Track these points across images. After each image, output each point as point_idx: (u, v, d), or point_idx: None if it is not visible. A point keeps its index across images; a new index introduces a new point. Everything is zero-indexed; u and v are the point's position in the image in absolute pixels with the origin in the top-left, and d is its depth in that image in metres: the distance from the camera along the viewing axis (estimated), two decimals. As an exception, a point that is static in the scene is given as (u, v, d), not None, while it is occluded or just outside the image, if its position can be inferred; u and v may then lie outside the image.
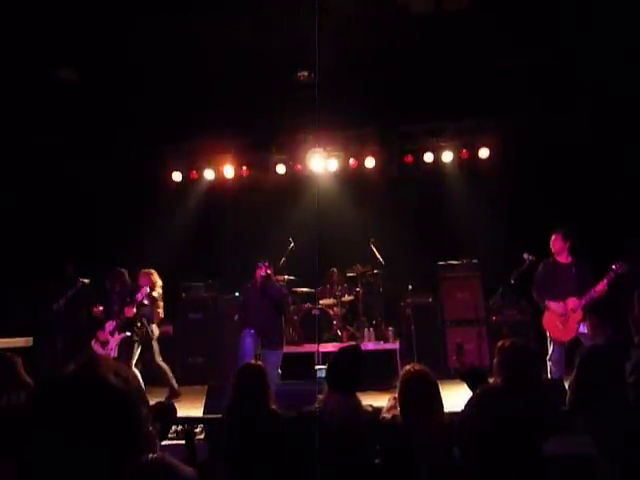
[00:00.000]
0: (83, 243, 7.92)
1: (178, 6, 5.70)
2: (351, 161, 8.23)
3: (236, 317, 6.59)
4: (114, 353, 5.79)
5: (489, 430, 2.60)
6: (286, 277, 7.50)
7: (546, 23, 6.09)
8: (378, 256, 7.49)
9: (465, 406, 2.82)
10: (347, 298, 7.71)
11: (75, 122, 7.29)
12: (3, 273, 7.45)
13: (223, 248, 8.57)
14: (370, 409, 2.93)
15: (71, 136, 7.53)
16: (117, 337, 5.94)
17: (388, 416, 2.80)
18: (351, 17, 5.89)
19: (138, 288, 5.97)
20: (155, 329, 6.15)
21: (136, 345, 5.92)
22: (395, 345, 7.02)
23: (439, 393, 2.75)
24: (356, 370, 2.95)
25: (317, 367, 5.59)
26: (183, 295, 7.86)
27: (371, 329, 7.31)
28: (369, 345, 7.01)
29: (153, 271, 6.29)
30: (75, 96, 6.81)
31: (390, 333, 7.20)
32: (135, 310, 5.91)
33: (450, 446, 2.62)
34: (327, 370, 3.06)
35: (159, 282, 6.26)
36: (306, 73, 7.10)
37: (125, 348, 5.86)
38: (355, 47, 6.38)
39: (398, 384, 2.77)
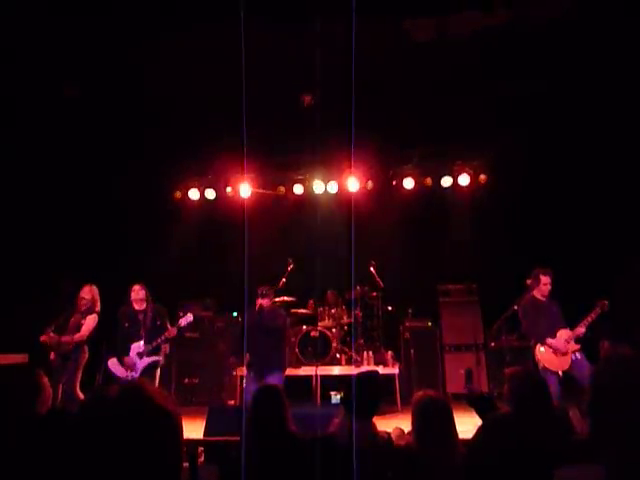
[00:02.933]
0: (80, 259, 7.90)
1: (181, 26, 5.85)
2: (351, 182, 8.36)
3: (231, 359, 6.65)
4: (137, 376, 5.66)
5: (500, 459, 2.64)
6: (285, 298, 7.53)
7: (543, 55, 6.34)
8: (377, 279, 7.57)
9: (475, 434, 2.86)
10: (346, 320, 7.77)
11: (79, 138, 7.39)
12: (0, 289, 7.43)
13: (221, 267, 8.57)
14: (386, 435, 2.96)
15: (74, 153, 7.61)
16: (146, 360, 5.80)
17: (402, 443, 2.84)
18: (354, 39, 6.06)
19: (156, 309, 5.94)
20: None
21: (159, 369, 5.85)
22: (394, 370, 7.03)
23: (454, 420, 2.80)
24: (374, 395, 2.97)
25: (331, 393, 5.61)
26: (180, 314, 7.75)
27: (370, 352, 7.34)
28: (368, 369, 7.04)
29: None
30: (80, 112, 6.93)
31: (389, 357, 7.24)
32: (175, 334, 5.87)
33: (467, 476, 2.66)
34: (344, 394, 3.08)
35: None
36: (309, 96, 7.26)
37: (147, 372, 5.73)
38: (358, 70, 6.56)
39: (413, 410, 2.81)
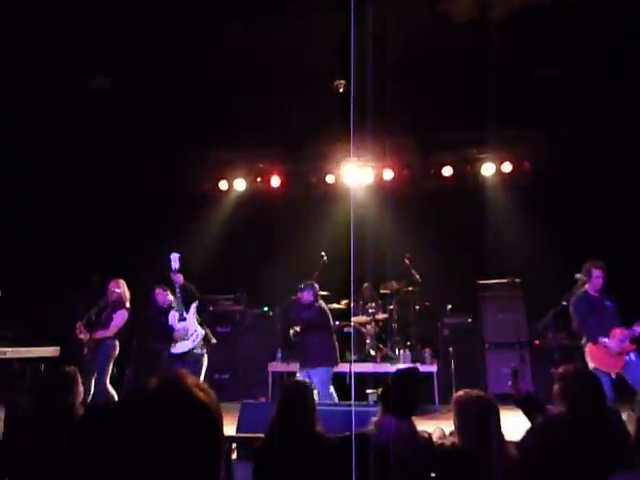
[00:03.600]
0: (109, 253, 8.07)
1: (211, 11, 5.82)
2: (387, 172, 8.24)
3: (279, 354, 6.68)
4: (199, 335, 5.72)
5: (553, 462, 2.55)
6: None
7: (595, 29, 6.08)
8: (414, 272, 7.46)
9: (526, 435, 2.77)
10: (381, 316, 7.69)
11: (103, 130, 7.48)
12: (31, 283, 7.68)
13: (252, 260, 8.62)
14: (426, 435, 2.92)
15: (98, 144, 7.72)
16: (189, 315, 5.85)
17: (446, 442, 2.77)
18: (389, 22, 5.94)
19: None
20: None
21: (205, 360, 5.83)
22: (432, 368, 6.91)
23: (500, 420, 2.72)
24: (413, 393, 2.95)
25: (368, 391, 5.55)
26: (210, 308, 7.86)
27: (406, 350, 7.21)
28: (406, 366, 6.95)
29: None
30: (105, 104, 6.99)
31: (427, 355, 7.13)
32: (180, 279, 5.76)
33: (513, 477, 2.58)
34: (382, 392, 3.08)
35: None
36: (343, 81, 7.17)
37: (192, 362, 5.73)
38: (393, 53, 6.44)
39: (457, 409, 2.73)
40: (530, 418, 3.17)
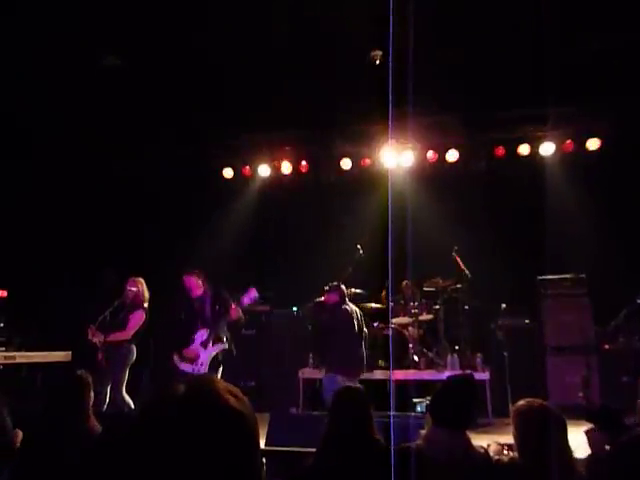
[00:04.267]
0: (123, 248, 8.22)
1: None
2: (430, 154, 8.18)
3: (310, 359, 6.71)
4: (205, 368, 5.79)
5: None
6: (353, 290, 7.50)
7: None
8: (463, 267, 7.41)
9: (608, 455, 2.69)
10: (425, 317, 7.70)
11: (121, 115, 7.58)
12: (39, 283, 7.82)
13: (279, 255, 8.68)
14: (482, 450, 2.93)
15: (117, 132, 7.84)
16: (211, 349, 5.85)
17: (504, 459, 2.75)
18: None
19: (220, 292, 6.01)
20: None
21: (222, 367, 5.94)
22: (484, 375, 6.88)
23: (567, 434, 2.70)
24: (468, 403, 2.94)
25: (415, 400, 5.66)
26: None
27: (454, 355, 7.22)
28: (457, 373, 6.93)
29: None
30: (121, 85, 7.14)
31: (478, 360, 7.10)
32: (240, 314, 5.86)
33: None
34: (432, 401, 3.07)
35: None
36: (380, 53, 7.13)
37: (212, 366, 5.83)
38: (437, 21, 6.37)
39: (517, 421, 2.72)
40: (609, 435, 3.11)
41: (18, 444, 3.44)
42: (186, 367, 5.85)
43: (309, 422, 4.64)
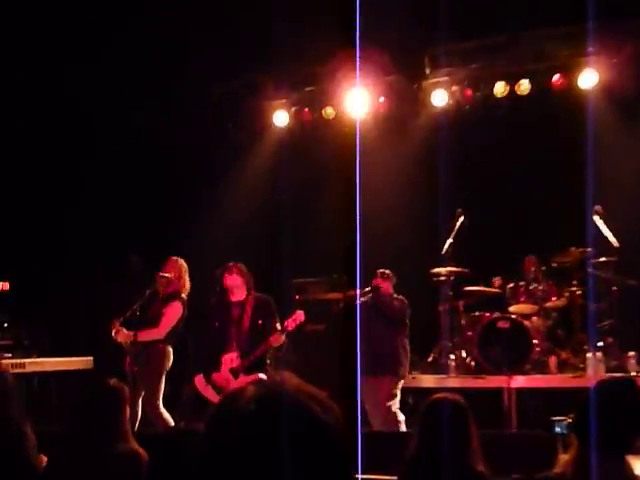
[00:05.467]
0: (146, 223, 8.36)
1: None
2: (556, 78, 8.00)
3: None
4: None
5: None
6: (452, 269, 7.48)
7: None
8: (608, 234, 7.15)
9: None
10: (555, 303, 7.55)
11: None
12: (47, 270, 7.94)
13: (351, 224, 8.42)
14: None
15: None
16: (243, 380, 5.70)
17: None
18: None
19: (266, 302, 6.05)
20: None
21: None
22: (644, 380, 6.55)
23: None
24: (630, 419, 2.83)
25: (554, 419, 5.58)
26: (297, 297, 7.91)
27: (598, 354, 6.93)
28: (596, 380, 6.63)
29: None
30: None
31: (632, 361, 6.93)
32: (282, 341, 5.96)
33: None
34: (578, 417, 2.98)
35: None
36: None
37: None
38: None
39: None
40: None
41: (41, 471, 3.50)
42: (211, 395, 5.86)
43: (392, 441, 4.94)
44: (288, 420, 1.05)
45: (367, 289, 6.48)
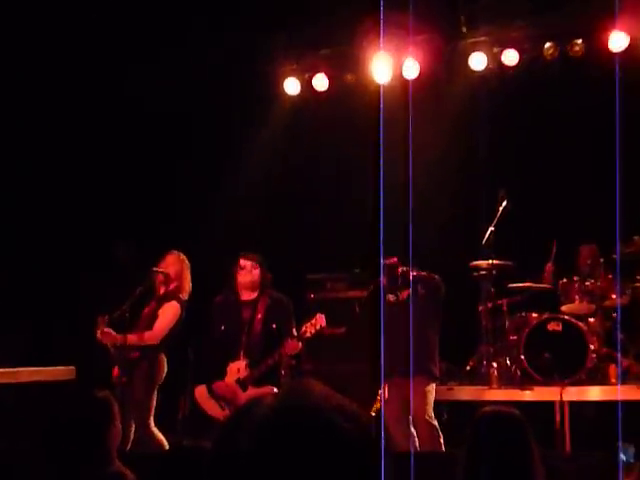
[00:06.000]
0: (135, 207, 8.48)
1: None
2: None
3: None
4: None
5: None
6: (494, 262, 7.48)
7: None
8: None
9: None
10: (615, 301, 7.47)
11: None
12: (17, 261, 7.96)
13: (374, 210, 8.33)
14: None
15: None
16: (252, 392, 5.73)
17: None
18: None
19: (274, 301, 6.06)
20: None
21: None
22: None
23: None
24: None
25: (620, 444, 5.40)
26: (312, 296, 7.83)
27: None
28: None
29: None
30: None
31: None
32: (298, 349, 6.00)
33: None
34: None
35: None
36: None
37: None
38: None
39: None
40: None
41: None
42: (214, 411, 5.88)
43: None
44: (310, 436, 1.08)
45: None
